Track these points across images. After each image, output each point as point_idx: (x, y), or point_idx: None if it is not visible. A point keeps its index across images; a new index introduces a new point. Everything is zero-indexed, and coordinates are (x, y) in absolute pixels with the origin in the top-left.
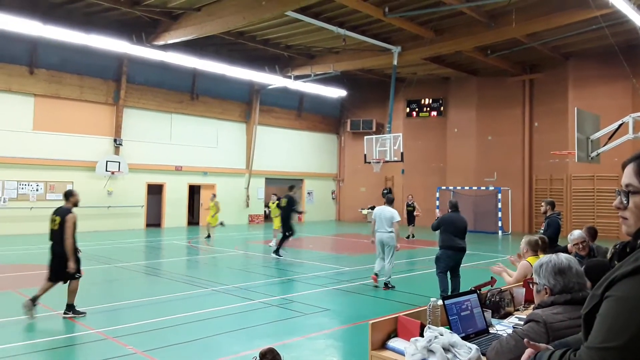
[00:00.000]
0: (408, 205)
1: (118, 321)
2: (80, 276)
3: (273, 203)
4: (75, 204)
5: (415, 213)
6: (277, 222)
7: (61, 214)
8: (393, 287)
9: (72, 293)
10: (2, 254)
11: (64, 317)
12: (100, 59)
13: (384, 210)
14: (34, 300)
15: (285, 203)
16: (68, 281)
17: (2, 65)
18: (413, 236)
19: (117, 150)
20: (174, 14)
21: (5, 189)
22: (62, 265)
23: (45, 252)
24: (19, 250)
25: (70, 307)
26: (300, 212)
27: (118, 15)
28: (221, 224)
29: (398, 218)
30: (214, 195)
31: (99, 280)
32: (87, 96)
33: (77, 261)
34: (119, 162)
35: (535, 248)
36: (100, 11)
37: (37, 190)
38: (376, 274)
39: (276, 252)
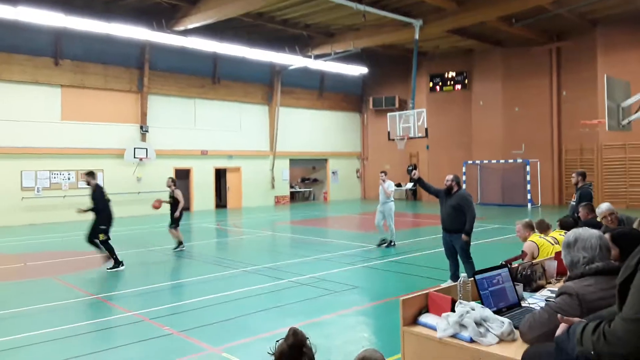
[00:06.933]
0: (170, 197)
1: (154, 303)
2: None
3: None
4: None
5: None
6: None
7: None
8: None
9: None
10: (38, 242)
11: None
12: (123, 47)
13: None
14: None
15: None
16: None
17: (28, 57)
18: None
19: (143, 137)
20: None
21: (38, 178)
22: None
23: (79, 239)
24: (55, 237)
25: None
26: None
27: (137, 2)
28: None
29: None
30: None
31: (133, 263)
32: (111, 85)
33: None
34: (146, 149)
35: (530, 228)
36: None
37: (68, 179)
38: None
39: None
